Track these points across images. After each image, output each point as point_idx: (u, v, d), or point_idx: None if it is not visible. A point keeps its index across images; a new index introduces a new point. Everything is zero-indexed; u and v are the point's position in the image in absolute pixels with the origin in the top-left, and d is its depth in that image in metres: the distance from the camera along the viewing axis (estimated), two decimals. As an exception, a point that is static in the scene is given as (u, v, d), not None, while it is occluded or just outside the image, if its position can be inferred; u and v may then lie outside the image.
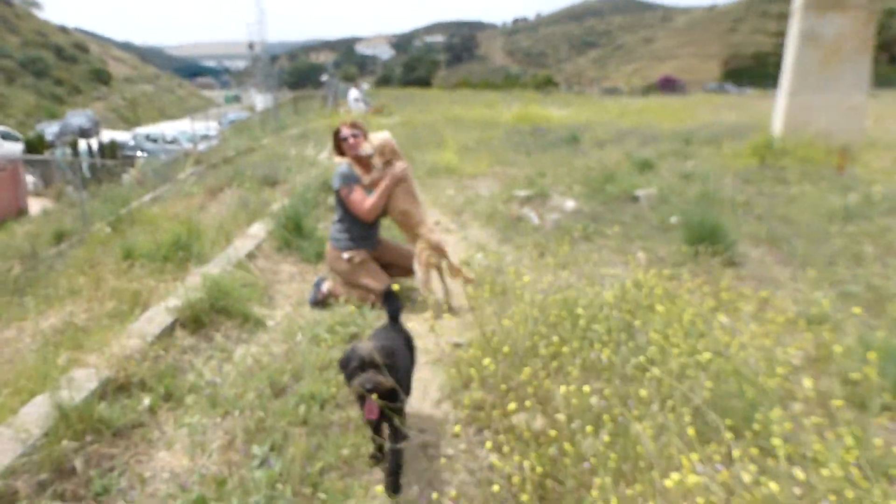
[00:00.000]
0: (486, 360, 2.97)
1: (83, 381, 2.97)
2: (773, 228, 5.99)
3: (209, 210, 7.71)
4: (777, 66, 10.95)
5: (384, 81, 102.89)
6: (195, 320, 3.81)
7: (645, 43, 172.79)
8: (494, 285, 4.62)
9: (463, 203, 7.76)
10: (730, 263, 5.09)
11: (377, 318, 4.10)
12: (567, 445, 2.25)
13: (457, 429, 2.75)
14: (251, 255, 5.43)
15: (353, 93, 23.46)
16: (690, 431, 2.17)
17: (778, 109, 10.54)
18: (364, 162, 4.46)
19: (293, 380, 3.23)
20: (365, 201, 4.33)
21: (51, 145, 33.78)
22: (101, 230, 7.03)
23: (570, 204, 7.09)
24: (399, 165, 4.32)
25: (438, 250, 4.23)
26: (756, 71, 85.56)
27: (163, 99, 66.27)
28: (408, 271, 4.64)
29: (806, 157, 9.10)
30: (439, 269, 4.29)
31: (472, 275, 4.37)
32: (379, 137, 4.30)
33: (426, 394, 3.22)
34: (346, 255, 4.38)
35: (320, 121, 18.29)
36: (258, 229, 6.22)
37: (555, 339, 3.04)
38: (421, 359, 3.63)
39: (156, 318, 3.81)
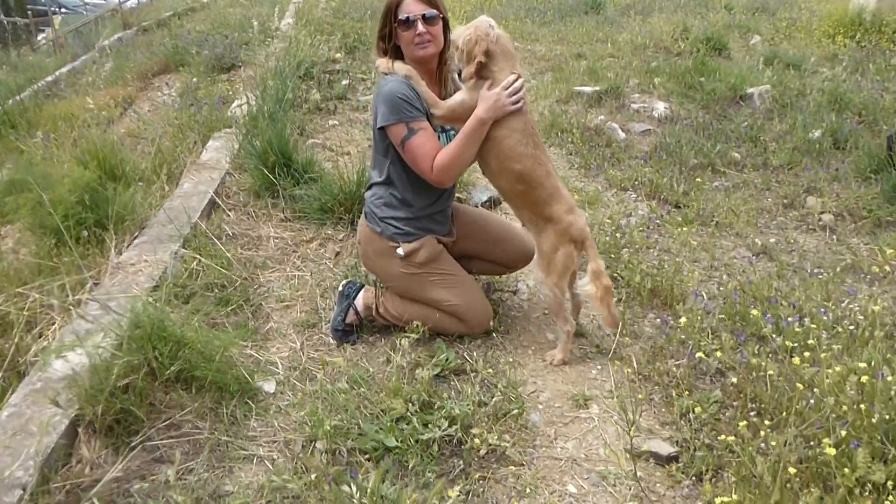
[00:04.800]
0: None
1: None
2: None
3: (140, 109, 5.39)
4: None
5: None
6: (119, 417, 1.85)
7: None
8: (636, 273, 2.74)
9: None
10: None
11: (472, 391, 2.19)
12: None
13: None
14: (212, 208, 3.36)
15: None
16: None
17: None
18: (430, 68, 2.33)
19: None
20: (439, 152, 2.23)
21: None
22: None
23: (659, 107, 5.04)
24: (510, 82, 2.20)
25: (581, 245, 2.26)
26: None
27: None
28: (505, 267, 2.68)
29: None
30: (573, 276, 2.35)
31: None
32: (469, 27, 2.16)
33: None
34: (401, 252, 2.34)
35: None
36: (216, 152, 4.06)
37: None
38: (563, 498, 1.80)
39: (34, 416, 1.83)
